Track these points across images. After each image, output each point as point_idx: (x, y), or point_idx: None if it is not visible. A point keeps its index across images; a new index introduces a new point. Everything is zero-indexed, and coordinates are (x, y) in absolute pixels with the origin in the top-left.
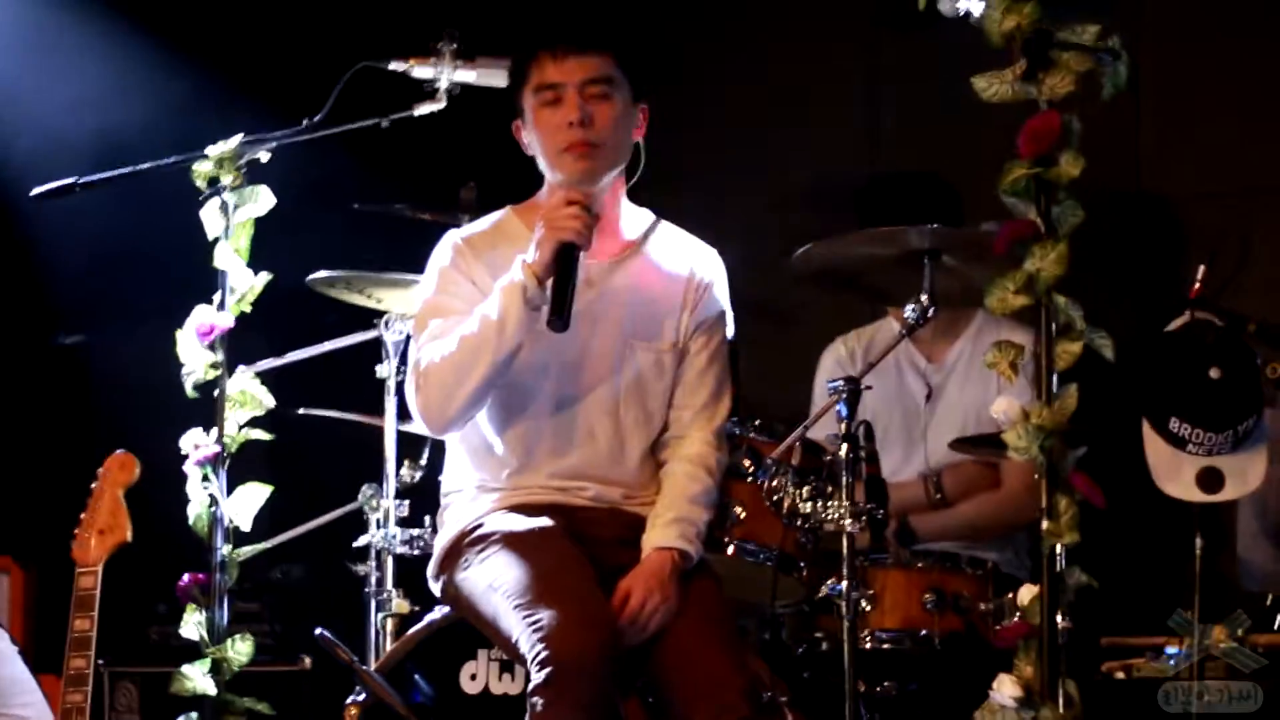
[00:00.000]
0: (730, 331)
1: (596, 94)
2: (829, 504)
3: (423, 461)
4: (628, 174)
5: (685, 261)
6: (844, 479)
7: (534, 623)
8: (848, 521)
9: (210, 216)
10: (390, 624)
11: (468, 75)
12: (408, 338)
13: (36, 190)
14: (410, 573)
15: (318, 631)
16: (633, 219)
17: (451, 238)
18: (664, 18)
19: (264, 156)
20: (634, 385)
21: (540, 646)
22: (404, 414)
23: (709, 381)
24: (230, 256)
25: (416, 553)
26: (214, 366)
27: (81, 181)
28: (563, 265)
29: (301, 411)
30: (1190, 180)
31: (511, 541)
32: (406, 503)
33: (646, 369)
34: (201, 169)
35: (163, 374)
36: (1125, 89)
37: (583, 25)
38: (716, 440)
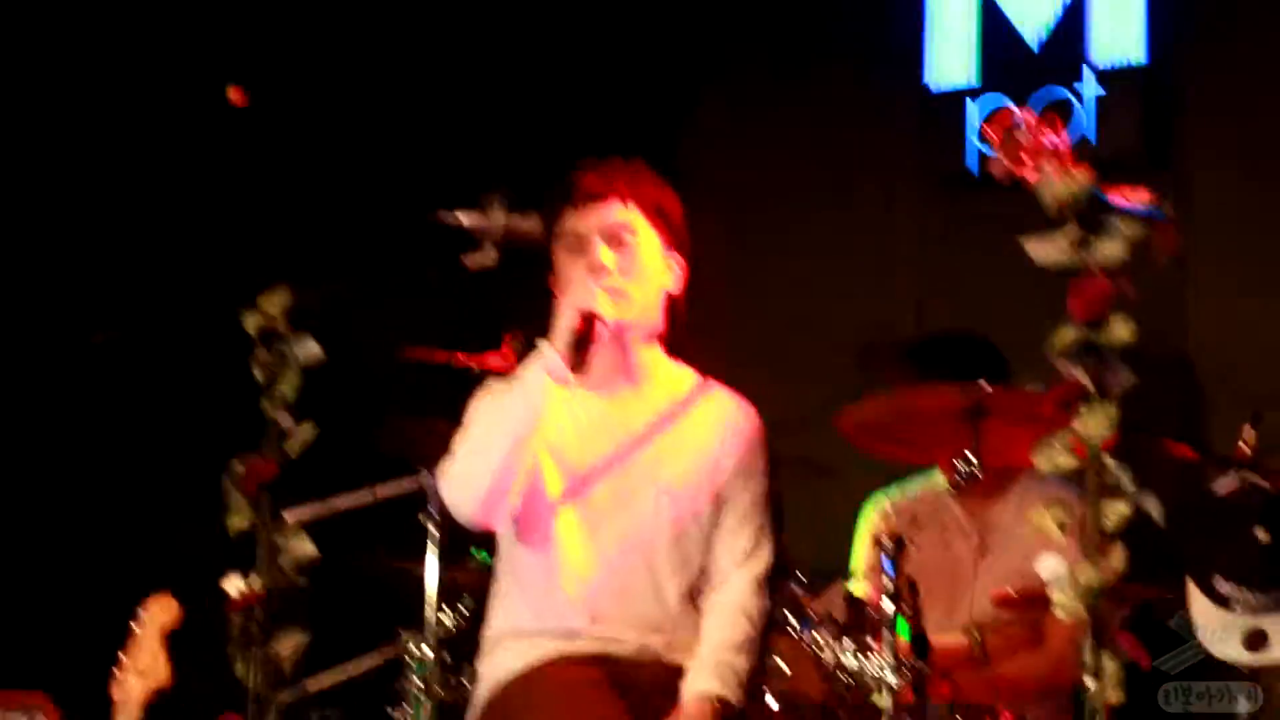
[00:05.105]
0: (772, 484)
1: (620, 240)
2: (871, 658)
3: (462, 608)
4: (667, 331)
5: (724, 413)
6: (886, 634)
7: None
8: (890, 676)
9: (259, 365)
10: None
11: (517, 229)
12: None
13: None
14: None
15: None
16: (675, 375)
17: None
18: (713, 170)
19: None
20: (671, 532)
21: None
22: (445, 559)
23: (749, 529)
24: (277, 405)
25: (456, 700)
26: (257, 512)
27: (139, 329)
28: (583, 331)
29: (343, 558)
30: (1236, 343)
31: (552, 694)
32: (445, 650)
33: (684, 516)
34: (251, 318)
35: (205, 518)
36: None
37: (606, 176)
38: (758, 588)
